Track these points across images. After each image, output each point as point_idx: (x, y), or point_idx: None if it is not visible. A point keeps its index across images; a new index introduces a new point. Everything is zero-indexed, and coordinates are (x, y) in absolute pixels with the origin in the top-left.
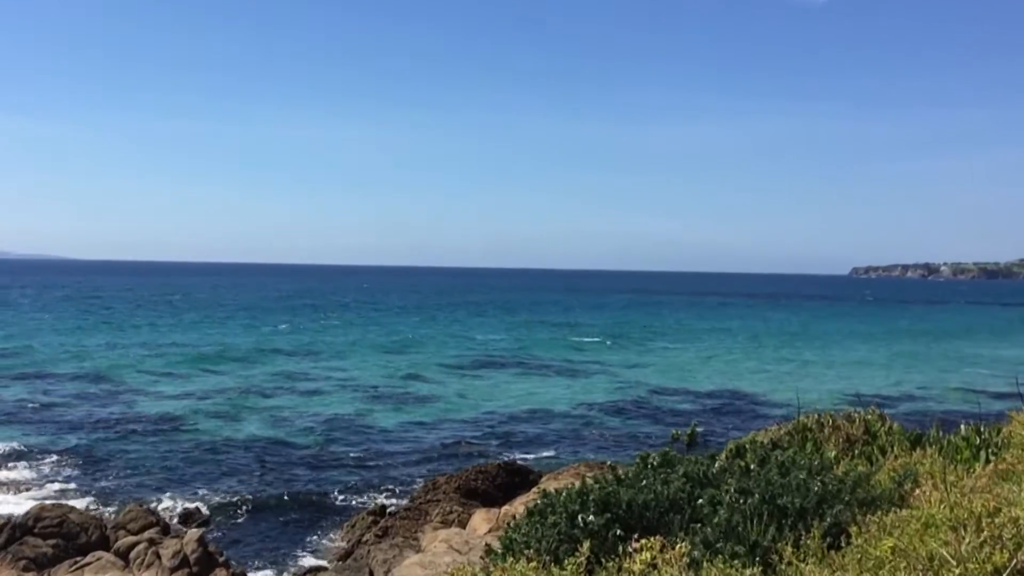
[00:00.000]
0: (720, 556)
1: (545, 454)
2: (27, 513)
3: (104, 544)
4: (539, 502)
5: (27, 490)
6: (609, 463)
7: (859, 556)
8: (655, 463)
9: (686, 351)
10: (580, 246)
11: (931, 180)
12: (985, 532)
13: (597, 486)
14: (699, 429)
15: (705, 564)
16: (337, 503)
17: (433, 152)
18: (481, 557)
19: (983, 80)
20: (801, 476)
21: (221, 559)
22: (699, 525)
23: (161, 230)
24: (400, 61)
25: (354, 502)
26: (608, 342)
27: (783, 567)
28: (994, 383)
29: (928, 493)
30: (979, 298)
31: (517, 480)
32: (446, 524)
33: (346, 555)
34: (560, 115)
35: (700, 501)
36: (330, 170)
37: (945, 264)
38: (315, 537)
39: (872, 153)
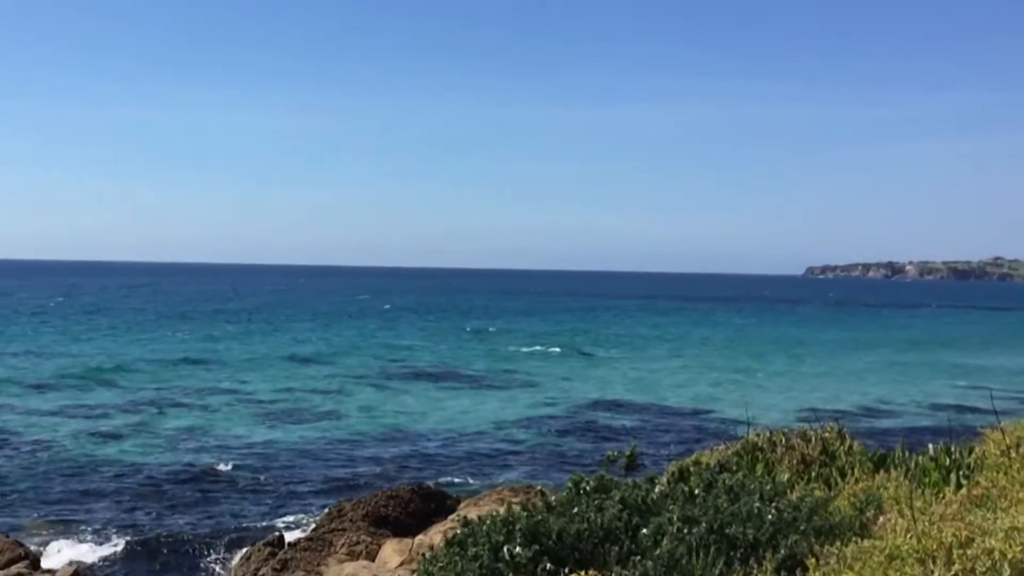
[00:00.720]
0: None
1: (466, 476)
2: None
3: None
4: (459, 531)
5: None
6: (538, 487)
7: None
8: (589, 488)
9: (629, 361)
10: (508, 243)
11: (894, 171)
12: (956, 565)
13: (524, 514)
14: (639, 449)
15: None
16: (231, 533)
17: (342, 139)
18: None
19: (963, 60)
20: (752, 503)
21: None
22: (638, 558)
23: (28, 224)
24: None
25: (250, 531)
26: (541, 351)
27: None
28: (968, 396)
29: (893, 521)
30: (951, 300)
31: (433, 506)
32: (353, 556)
33: None
34: (480, 96)
35: (643, 532)
36: (218, 157)
37: (911, 263)
38: (205, 571)
39: (828, 140)
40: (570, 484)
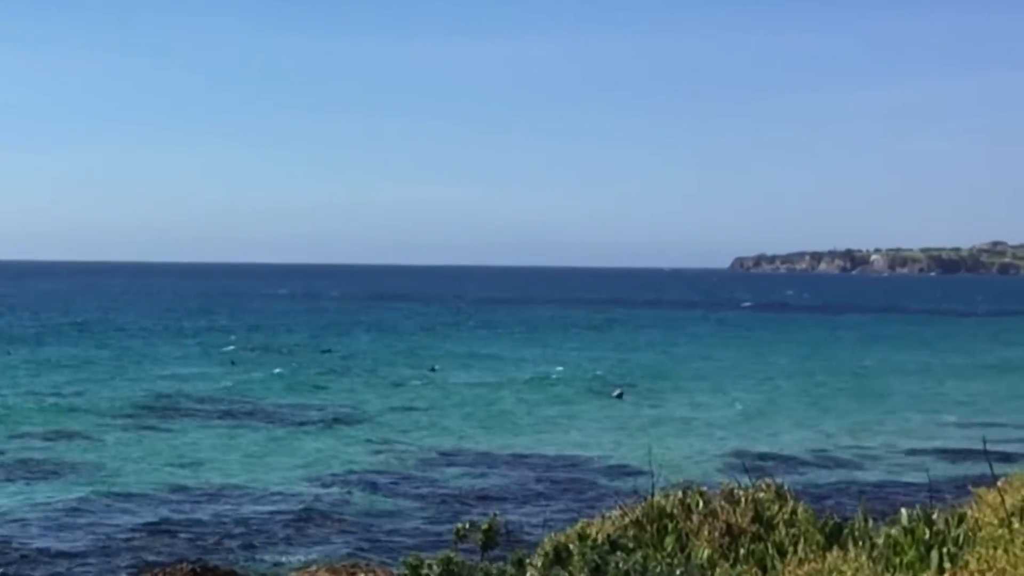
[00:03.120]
0: None
1: (266, 549)
2: None
3: None
4: None
5: None
6: (364, 565)
7: None
8: (432, 574)
9: (492, 392)
10: (319, 228)
11: (851, 127)
12: None
13: None
14: (503, 517)
15: None
16: None
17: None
18: None
19: None
20: None
21: None
22: None
23: None
24: None
25: None
26: (368, 376)
27: None
28: (957, 437)
29: None
30: (939, 302)
31: None
32: None
33: None
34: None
35: None
36: None
37: (878, 251)
38: None
39: (762, 88)
40: (407, 567)
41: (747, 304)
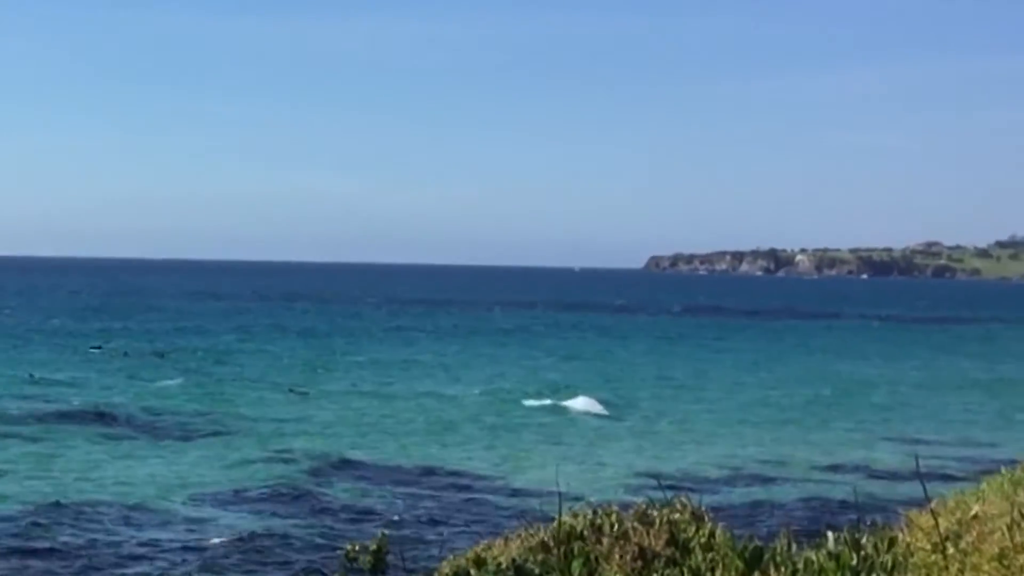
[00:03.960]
0: None
1: None
2: None
3: None
4: None
5: None
6: None
7: None
8: None
9: (378, 400)
10: (183, 220)
11: (777, 118)
12: None
13: None
14: (395, 538)
15: None
16: None
17: None
18: None
19: None
20: None
21: None
22: None
23: None
24: None
25: None
26: (235, 381)
27: None
28: (889, 454)
29: None
30: (872, 307)
31: None
32: None
33: None
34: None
35: None
36: None
37: (804, 252)
38: None
39: (680, 75)
40: None
41: (677, 309)
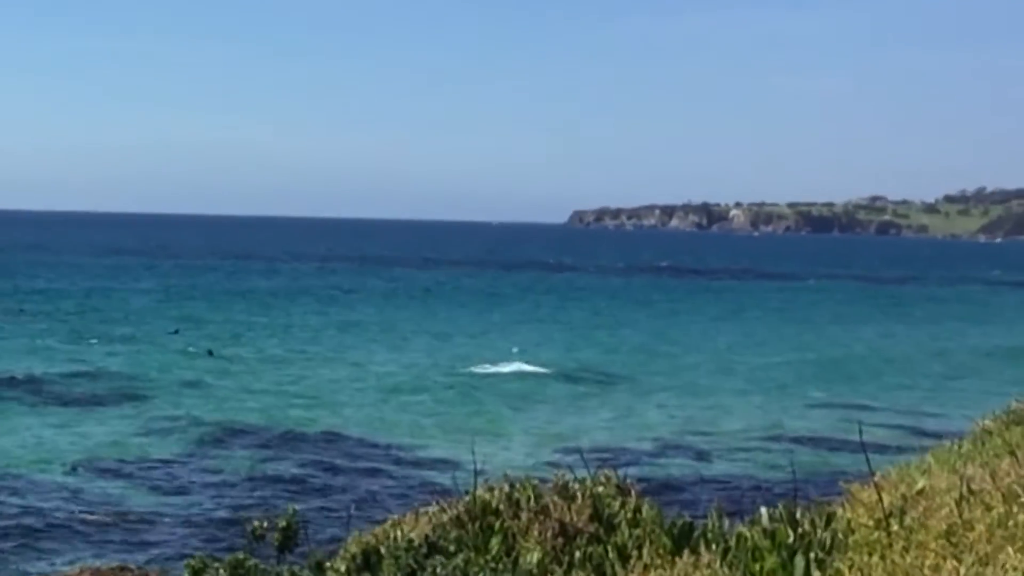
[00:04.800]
0: None
1: (21, 552)
2: None
3: None
4: None
5: None
6: (135, 569)
7: None
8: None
9: (294, 365)
10: (74, 170)
11: (710, 60)
12: None
13: None
14: (301, 516)
15: None
16: None
17: None
18: None
19: None
20: None
21: None
22: None
23: None
24: None
25: None
26: (135, 344)
27: None
28: (828, 423)
29: None
30: (814, 266)
31: None
32: None
33: None
34: None
35: None
36: None
37: (739, 206)
38: None
39: (605, 11)
40: (187, 573)
41: (621, 266)
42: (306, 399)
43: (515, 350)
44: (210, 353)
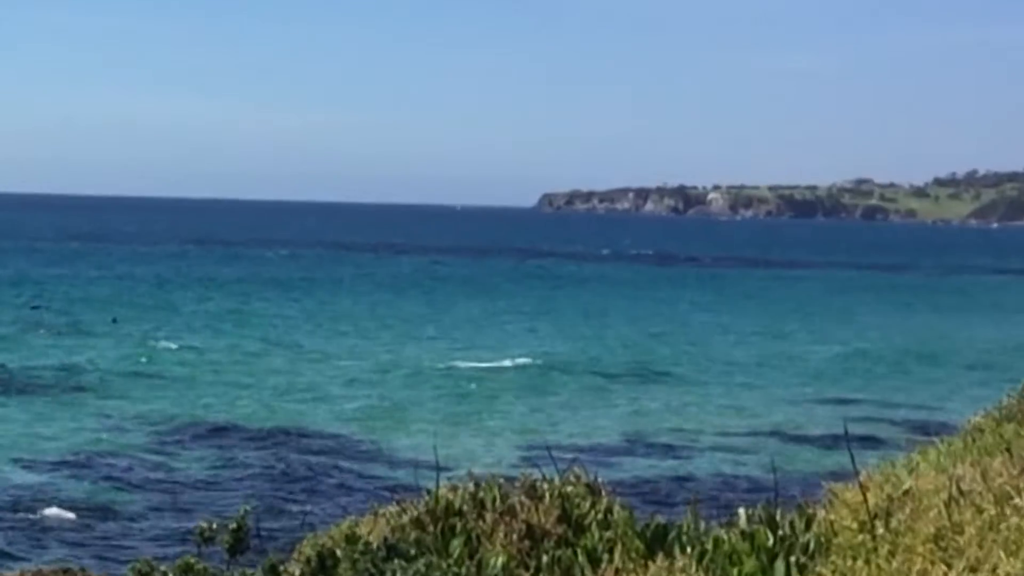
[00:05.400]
0: None
1: None
2: None
3: None
4: None
5: None
6: (79, 571)
7: None
8: None
9: (252, 356)
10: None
11: (685, 36)
12: None
13: None
14: (256, 513)
15: None
16: None
17: None
18: None
19: None
20: None
21: None
22: None
23: None
24: None
25: None
26: (76, 336)
27: None
28: (811, 417)
29: None
30: (800, 253)
31: None
32: None
33: None
34: None
35: None
36: None
37: (716, 189)
38: None
39: None
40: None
41: (606, 252)
42: (264, 393)
43: (490, 343)
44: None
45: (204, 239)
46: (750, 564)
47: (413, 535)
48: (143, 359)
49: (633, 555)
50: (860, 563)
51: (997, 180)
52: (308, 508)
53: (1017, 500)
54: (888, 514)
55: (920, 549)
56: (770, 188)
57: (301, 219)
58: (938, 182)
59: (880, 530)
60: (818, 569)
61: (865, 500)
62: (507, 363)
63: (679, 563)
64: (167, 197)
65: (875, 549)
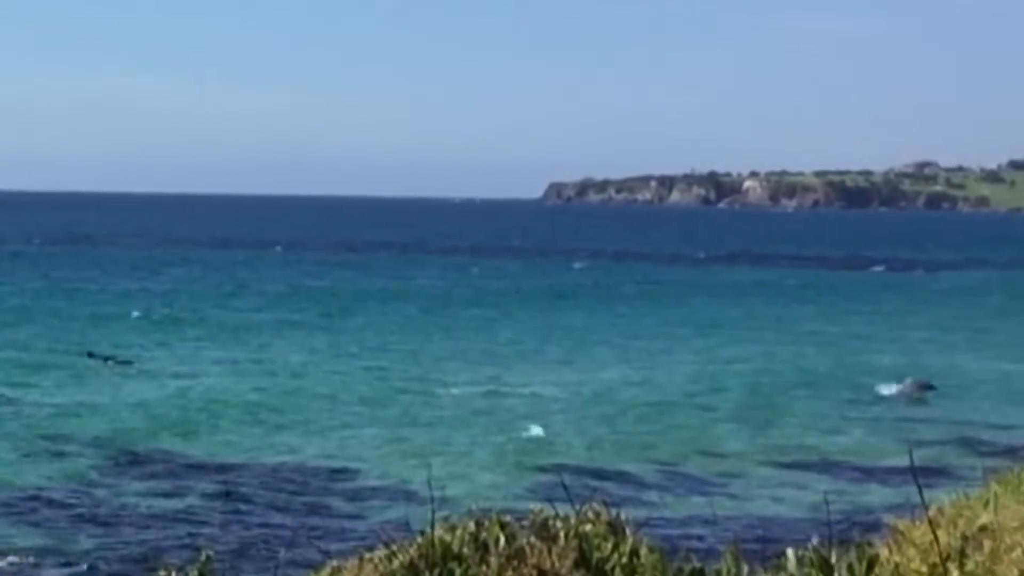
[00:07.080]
0: None
1: None
2: None
3: None
4: None
5: None
6: None
7: None
8: None
9: (217, 376)
10: None
11: (712, 3)
12: None
13: None
14: (223, 557)
15: None
16: None
17: None
18: None
19: None
20: None
21: None
22: None
23: None
24: None
25: None
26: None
27: None
28: (873, 446)
29: None
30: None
31: None
32: None
33: None
34: None
35: None
36: None
37: (754, 176)
38: None
39: None
40: None
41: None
42: (232, 414)
43: (487, 361)
44: (108, 361)
45: (176, 239)
46: None
47: None
48: (103, 378)
49: None
50: None
51: None
52: (282, 552)
53: None
54: (963, 555)
55: None
56: (816, 174)
57: (290, 216)
58: (1013, 165)
59: (954, 573)
60: None
61: (935, 538)
62: (511, 389)
63: None
64: (135, 192)
65: None
